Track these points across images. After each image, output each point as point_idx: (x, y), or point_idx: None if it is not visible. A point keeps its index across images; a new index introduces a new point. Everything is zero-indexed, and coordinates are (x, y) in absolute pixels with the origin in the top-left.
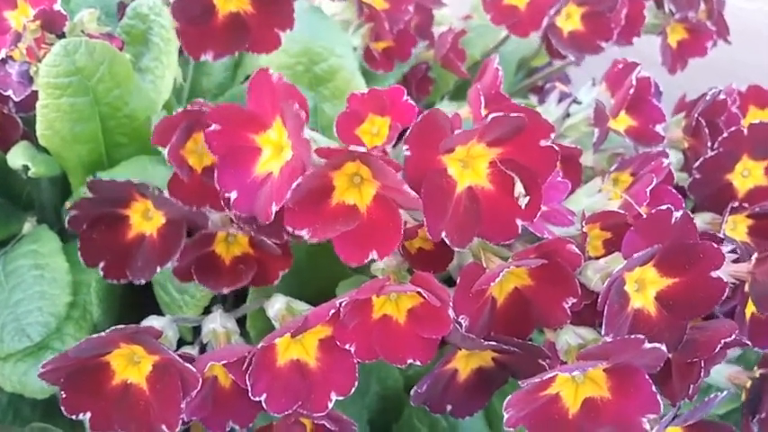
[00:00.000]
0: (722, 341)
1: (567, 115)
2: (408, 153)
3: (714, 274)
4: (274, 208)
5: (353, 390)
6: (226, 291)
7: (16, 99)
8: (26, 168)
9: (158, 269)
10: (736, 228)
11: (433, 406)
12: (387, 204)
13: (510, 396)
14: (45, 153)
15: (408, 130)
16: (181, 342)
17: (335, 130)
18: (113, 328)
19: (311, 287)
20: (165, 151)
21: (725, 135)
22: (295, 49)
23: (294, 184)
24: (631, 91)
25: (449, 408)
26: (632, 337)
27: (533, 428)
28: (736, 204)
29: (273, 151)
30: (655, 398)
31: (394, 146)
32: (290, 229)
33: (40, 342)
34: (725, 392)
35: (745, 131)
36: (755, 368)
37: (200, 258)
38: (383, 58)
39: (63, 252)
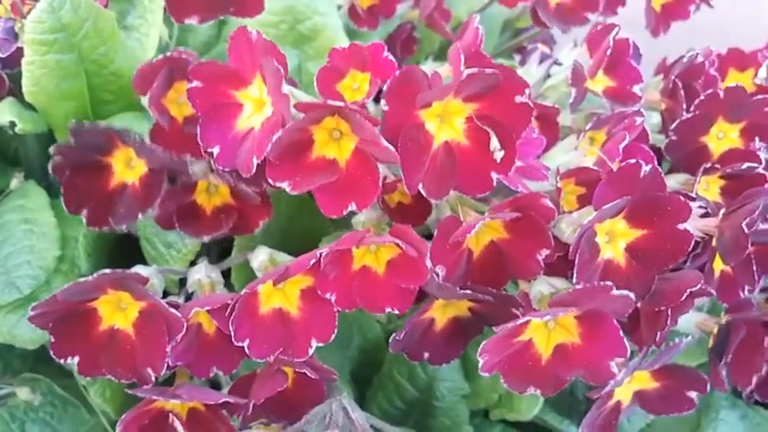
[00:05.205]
0: (688, 290)
1: (548, 76)
2: (386, 108)
3: (681, 226)
4: (255, 161)
5: (334, 339)
6: (206, 239)
7: (2, 55)
8: (13, 125)
9: (140, 216)
10: (709, 188)
11: (411, 353)
12: (365, 158)
13: (484, 342)
14: (31, 110)
15: (386, 86)
16: (167, 295)
17: (316, 85)
18: (101, 272)
19: (294, 245)
20: (145, 100)
21: (701, 98)
22: (279, 8)
23: (274, 138)
24: (608, 52)
25: (426, 355)
26: (601, 284)
27: (508, 373)
28: (709, 165)
29: (254, 107)
30: (622, 343)
31: (376, 101)
32: (271, 181)
33: (29, 295)
34: (689, 338)
35: (721, 94)
36: (722, 314)
37: (181, 207)
38: (367, 15)
39: (51, 207)
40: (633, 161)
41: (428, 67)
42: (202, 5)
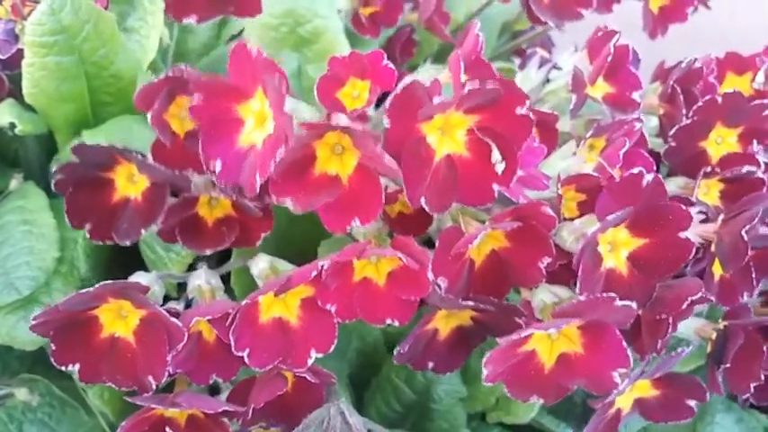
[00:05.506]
0: (689, 298)
1: (547, 80)
2: (388, 124)
3: (682, 234)
4: (259, 180)
5: (333, 347)
6: (209, 252)
7: (2, 57)
8: (13, 126)
9: (143, 231)
10: (709, 192)
11: (416, 363)
12: (368, 173)
13: (489, 353)
14: (31, 111)
15: (388, 101)
16: (166, 298)
17: (316, 94)
18: (102, 283)
19: (292, 248)
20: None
21: (699, 104)
22: (279, 10)
23: (278, 157)
24: (609, 59)
25: (430, 365)
26: (604, 295)
27: (511, 383)
28: (709, 169)
29: (256, 122)
30: (625, 353)
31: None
32: (274, 199)
33: (28, 296)
34: (690, 347)
35: (720, 100)
36: (720, 320)
37: (183, 221)
38: (370, 23)
39: (50, 208)
40: (636, 171)
41: (427, 70)
42: (201, 5)
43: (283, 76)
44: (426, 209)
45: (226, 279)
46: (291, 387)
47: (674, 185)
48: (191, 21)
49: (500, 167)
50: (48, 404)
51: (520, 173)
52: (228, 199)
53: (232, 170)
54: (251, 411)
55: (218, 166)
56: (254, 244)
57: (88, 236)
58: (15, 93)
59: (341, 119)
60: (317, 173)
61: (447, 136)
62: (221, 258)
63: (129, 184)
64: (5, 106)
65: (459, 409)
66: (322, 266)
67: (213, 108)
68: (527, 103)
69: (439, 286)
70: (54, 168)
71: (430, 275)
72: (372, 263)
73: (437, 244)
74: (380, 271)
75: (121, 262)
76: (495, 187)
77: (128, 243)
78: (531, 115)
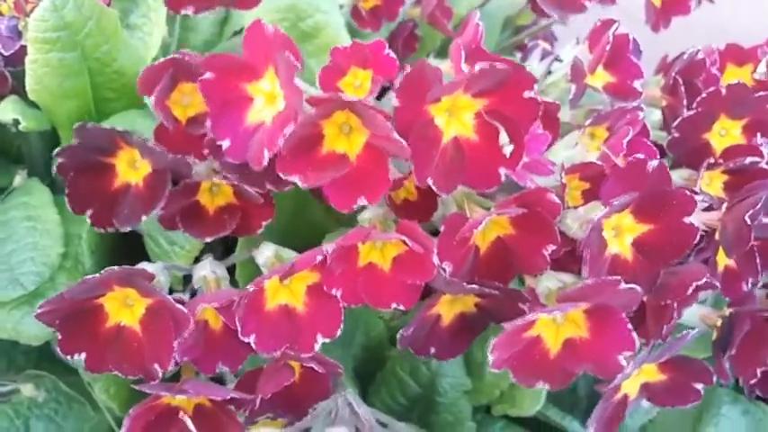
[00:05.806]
0: (693, 284)
1: (549, 73)
2: (397, 104)
3: (687, 220)
4: (268, 154)
5: (339, 334)
6: (209, 239)
7: (5, 54)
8: (16, 122)
9: (144, 217)
10: (712, 183)
11: (418, 349)
12: (376, 153)
13: (494, 339)
14: (35, 108)
15: (397, 82)
16: (171, 293)
17: (319, 83)
18: (108, 268)
19: (296, 243)
20: (149, 101)
21: (703, 95)
22: (281, 5)
23: (287, 132)
24: (608, 47)
25: (432, 350)
26: (609, 278)
27: (517, 369)
28: (713, 161)
29: (266, 100)
30: (631, 337)
31: (377, 99)
32: (282, 175)
33: (33, 291)
34: (695, 330)
35: (723, 91)
36: (725, 308)
37: (185, 208)
38: (370, 16)
39: (54, 204)
40: (640, 156)
41: None
42: None
43: (297, 53)
44: (434, 189)
45: (230, 271)
46: (298, 377)
47: (677, 177)
48: (188, 12)
49: (507, 150)
50: (54, 400)
51: (526, 158)
52: (230, 186)
53: (240, 147)
54: (258, 402)
55: (226, 143)
56: (255, 231)
57: (90, 222)
58: (18, 89)
59: (350, 96)
60: (325, 151)
61: (454, 118)
62: (227, 252)
63: (131, 169)
64: (9, 103)
65: (464, 402)
66: (327, 251)
67: (224, 85)
68: (534, 86)
69: (444, 270)
70: (55, 152)
71: (435, 260)
72: (377, 248)
73: (442, 229)
74: (386, 256)
75: (126, 257)
76: (502, 171)
77: (128, 229)
78: (538, 98)
